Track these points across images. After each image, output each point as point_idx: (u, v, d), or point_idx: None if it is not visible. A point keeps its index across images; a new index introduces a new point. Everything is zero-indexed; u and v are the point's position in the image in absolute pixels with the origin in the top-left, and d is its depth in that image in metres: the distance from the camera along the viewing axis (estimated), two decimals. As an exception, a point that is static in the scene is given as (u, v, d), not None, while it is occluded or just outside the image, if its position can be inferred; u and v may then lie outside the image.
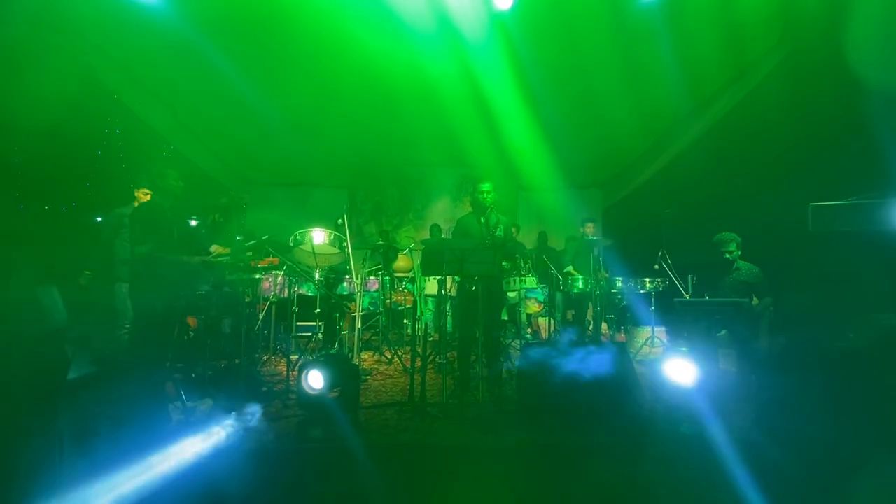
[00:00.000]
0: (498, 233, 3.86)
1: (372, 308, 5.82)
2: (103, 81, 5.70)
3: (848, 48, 4.72)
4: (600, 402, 3.35)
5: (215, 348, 4.54)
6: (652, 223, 7.41)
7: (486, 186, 4.04)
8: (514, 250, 5.27)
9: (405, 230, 9.45)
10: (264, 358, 5.07)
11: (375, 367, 5.14)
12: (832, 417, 2.94)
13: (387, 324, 6.10)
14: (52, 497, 2.16)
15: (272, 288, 5.10)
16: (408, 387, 3.78)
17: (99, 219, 5.18)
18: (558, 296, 6.16)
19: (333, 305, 5.17)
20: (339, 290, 5.33)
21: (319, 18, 4.68)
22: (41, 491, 2.17)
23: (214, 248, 4.04)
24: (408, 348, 5.46)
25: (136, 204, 4.64)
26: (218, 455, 2.80)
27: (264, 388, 4.05)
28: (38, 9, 4.47)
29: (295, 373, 3.94)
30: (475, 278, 3.82)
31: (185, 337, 4.75)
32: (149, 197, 4.51)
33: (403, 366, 5.03)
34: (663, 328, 6.01)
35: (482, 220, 4.03)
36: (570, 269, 6.28)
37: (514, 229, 6.94)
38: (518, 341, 5.58)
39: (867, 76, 4.72)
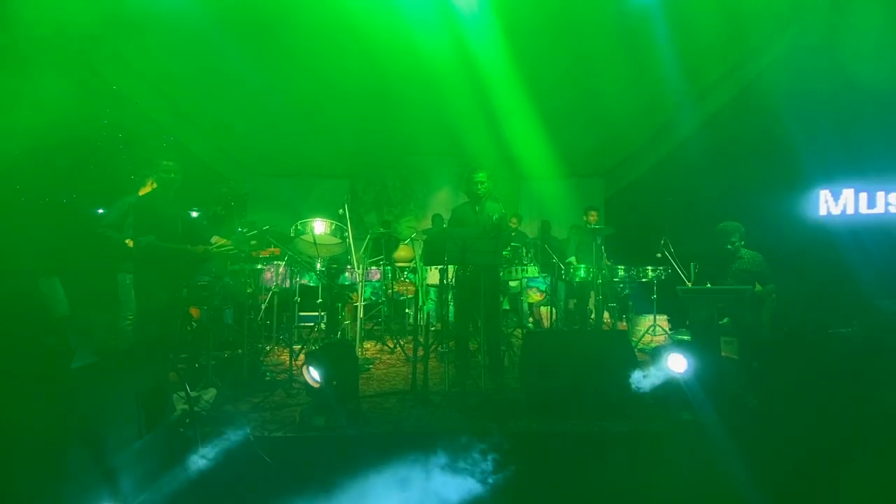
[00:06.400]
0: (494, 218, 3.84)
1: (374, 298, 5.83)
2: (103, 72, 5.67)
3: (851, 37, 4.68)
4: (602, 390, 3.37)
5: (218, 338, 4.56)
6: (654, 211, 7.40)
7: (480, 176, 4.01)
8: (510, 239, 5.26)
9: (406, 220, 9.43)
10: (267, 348, 5.10)
11: (378, 356, 5.16)
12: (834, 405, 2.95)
13: (389, 313, 6.11)
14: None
15: (274, 278, 5.10)
16: (410, 376, 3.80)
17: (100, 210, 5.17)
18: (560, 285, 6.15)
19: (335, 295, 5.18)
20: (340, 281, 5.33)
21: (318, 7, 4.64)
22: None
23: (215, 240, 4.03)
24: (410, 338, 5.48)
25: (142, 193, 4.62)
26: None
27: (267, 378, 4.07)
28: (38, 2, 4.43)
29: (298, 362, 3.96)
30: (469, 268, 3.81)
31: (189, 327, 4.77)
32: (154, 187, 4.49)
33: (406, 355, 5.05)
34: (665, 317, 6.01)
35: (477, 209, 4.02)
36: (572, 259, 6.25)
37: (514, 220, 6.91)
38: (520, 330, 5.59)
39: (868, 66, 4.69)
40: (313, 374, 3.07)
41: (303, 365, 3.16)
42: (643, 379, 3.39)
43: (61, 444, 2.32)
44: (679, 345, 3.46)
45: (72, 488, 2.20)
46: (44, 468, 2.24)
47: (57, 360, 2.87)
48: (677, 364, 3.26)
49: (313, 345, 4.73)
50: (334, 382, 3.07)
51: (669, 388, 3.33)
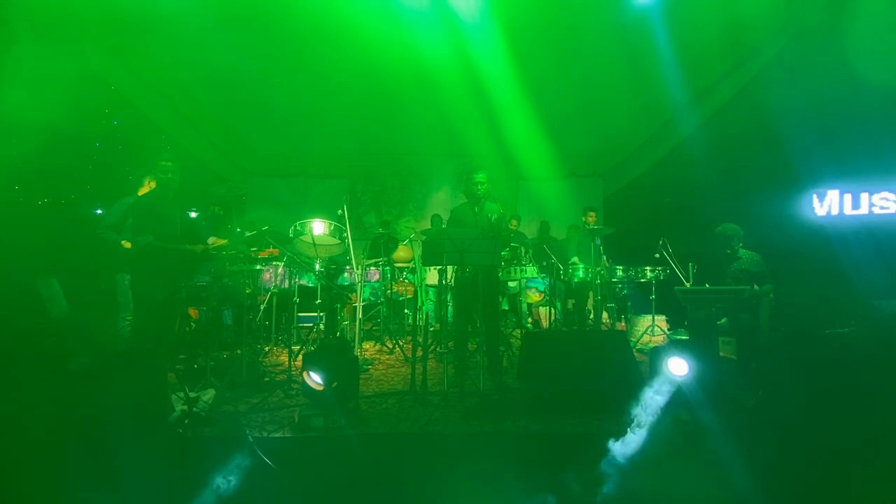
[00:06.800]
0: (493, 218, 3.84)
1: (373, 298, 5.83)
2: (101, 74, 5.67)
3: (850, 35, 4.71)
4: (601, 390, 3.37)
5: (217, 339, 4.55)
6: (653, 212, 7.41)
7: (480, 177, 4.00)
8: (509, 239, 5.28)
9: (405, 220, 9.42)
10: (266, 348, 5.09)
11: (377, 356, 5.16)
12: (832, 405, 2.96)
13: (388, 314, 6.11)
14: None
15: (273, 279, 5.10)
16: (409, 376, 3.80)
17: (99, 211, 5.17)
18: (559, 285, 6.16)
19: (334, 296, 5.18)
20: (339, 281, 5.33)
21: (318, 8, 4.64)
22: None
23: (212, 240, 4.02)
24: (409, 338, 5.48)
25: (140, 193, 4.62)
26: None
27: (266, 379, 4.07)
28: (38, 4, 4.43)
29: (297, 363, 3.96)
30: (468, 268, 3.81)
31: (187, 328, 4.77)
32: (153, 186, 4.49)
33: (405, 355, 5.05)
34: (664, 317, 6.02)
35: (476, 209, 4.02)
36: (575, 259, 6.25)
37: (514, 221, 6.92)
38: (519, 331, 5.59)
39: (868, 65, 4.73)
40: (315, 378, 3.06)
41: (303, 370, 3.15)
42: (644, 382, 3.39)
43: (60, 445, 2.32)
44: (677, 345, 3.46)
45: (71, 488, 2.20)
46: (43, 468, 2.24)
47: (55, 362, 2.86)
48: (678, 368, 3.26)
49: (312, 346, 4.73)
50: (335, 384, 3.07)
51: (667, 389, 3.33)
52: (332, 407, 3.01)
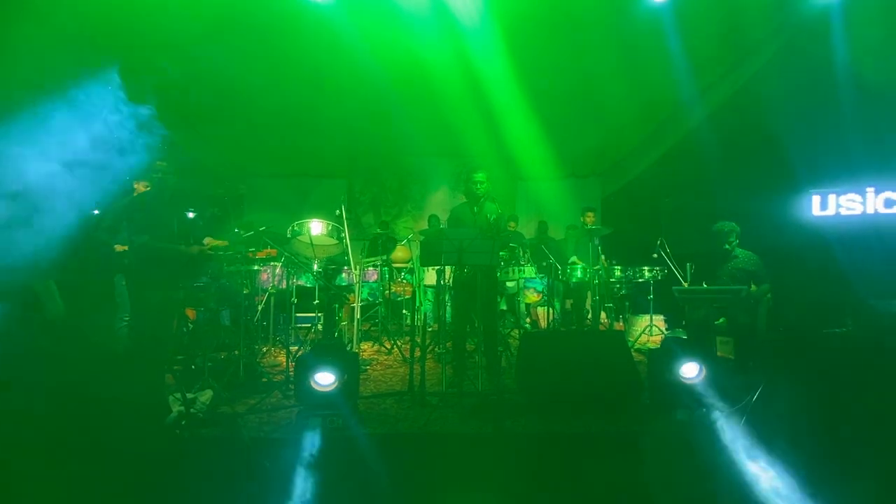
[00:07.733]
0: (492, 218, 3.85)
1: (371, 299, 5.82)
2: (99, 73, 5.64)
3: (847, 36, 4.75)
4: (599, 390, 3.37)
5: (215, 340, 4.54)
6: (651, 212, 7.42)
7: (479, 176, 4.00)
8: (508, 240, 5.28)
9: (403, 221, 9.42)
10: (264, 349, 5.08)
11: (375, 357, 5.16)
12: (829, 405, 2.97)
13: (386, 314, 6.10)
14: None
15: (271, 279, 5.09)
16: (407, 377, 3.79)
17: (96, 211, 5.14)
18: (557, 285, 6.16)
19: (332, 296, 5.17)
20: (337, 282, 5.33)
21: (317, 9, 4.64)
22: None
23: (208, 241, 4.01)
24: (407, 338, 5.47)
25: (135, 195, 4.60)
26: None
27: (264, 379, 4.06)
28: (36, 6, 4.41)
29: (294, 364, 3.95)
30: (466, 268, 3.81)
31: (185, 329, 4.75)
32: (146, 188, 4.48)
33: (403, 356, 5.05)
34: (662, 317, 6.03)
35: (475, 209, 4.01)
36: (574, 259, 6.26)
37: (511, 223, 6.91)
38: (517, 331, 5.59)
39: (865, 65, 4.76)
40: (320, 380, 3.04)
41: (307, 371, 3.12)
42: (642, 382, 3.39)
43: (57, 445, 2.31)
44: (676, 342, 3.46)
45: (67, 489, 2.19)
46: (39, 469, 2.23)
47: (52, 363, 2.85)
48: (690, 371, 3.25)
49: (310, 346, 4.72)
50: (339, 384, 3.06)
51: (666, 389, 3.34)
52: (335, 407, 3.00)
